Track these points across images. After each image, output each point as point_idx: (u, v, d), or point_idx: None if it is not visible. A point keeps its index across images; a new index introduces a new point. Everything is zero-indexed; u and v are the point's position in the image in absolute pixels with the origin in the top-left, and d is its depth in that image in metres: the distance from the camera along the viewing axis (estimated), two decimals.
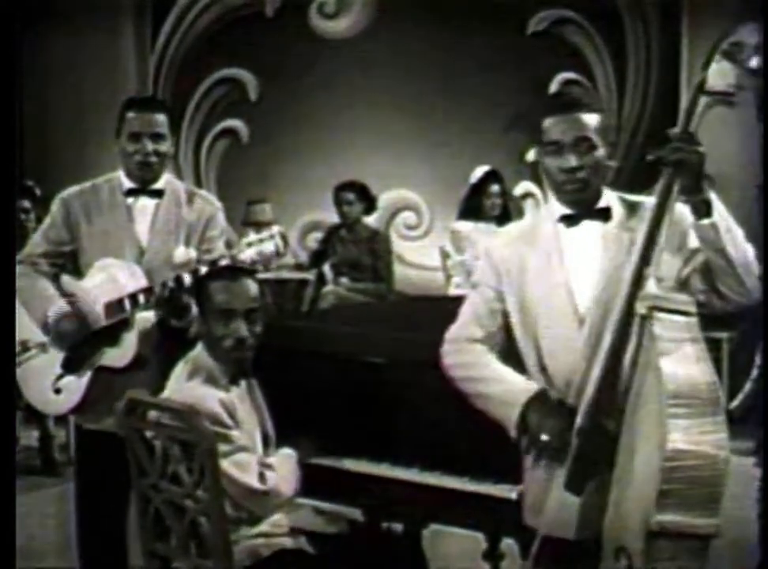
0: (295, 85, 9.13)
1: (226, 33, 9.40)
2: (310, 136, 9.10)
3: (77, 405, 3.69)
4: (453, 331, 3.00)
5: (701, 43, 8.20)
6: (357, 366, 3.51)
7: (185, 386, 3.22)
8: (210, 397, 3.15)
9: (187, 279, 3.48)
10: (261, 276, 3.54)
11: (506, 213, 7.00)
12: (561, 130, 2.80)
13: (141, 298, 3.54)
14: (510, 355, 2.96)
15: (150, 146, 3.68)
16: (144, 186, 3.75)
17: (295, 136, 9.15)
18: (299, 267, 8.73)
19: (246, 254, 3.47)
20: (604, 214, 2.86)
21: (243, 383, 3.32)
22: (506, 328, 2.95)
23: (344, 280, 7.50)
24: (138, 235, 3.72)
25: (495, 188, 6.94)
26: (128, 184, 3.75)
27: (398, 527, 3.69)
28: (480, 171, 7.02)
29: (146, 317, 3.60)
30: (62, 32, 8.96)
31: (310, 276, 7.93)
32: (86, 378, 3.65)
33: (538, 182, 9.11)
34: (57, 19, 8.95)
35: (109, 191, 3.77)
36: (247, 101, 9.52)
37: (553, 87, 8.85)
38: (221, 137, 9.59)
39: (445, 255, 7.13)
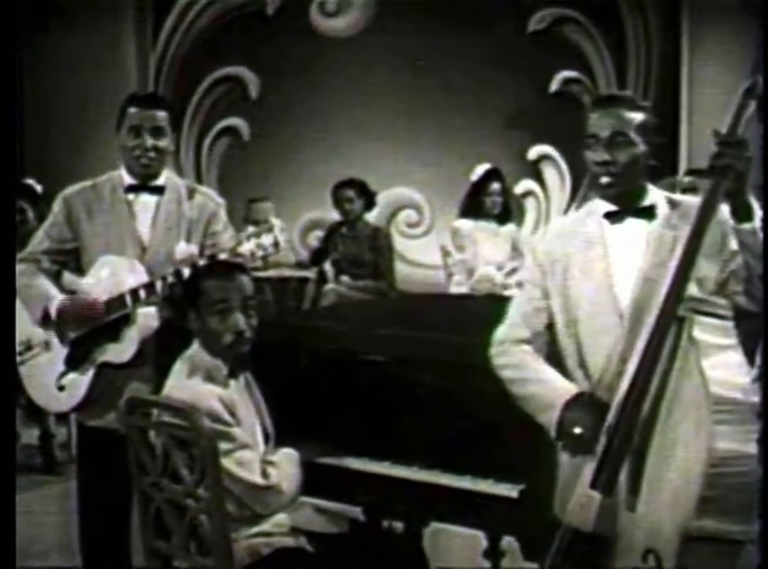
0: (296, 83, 9.13)
1: (227, 32, 9.41)
2: (311, 134, 9.11)
3: (80, 403, 3.69)
4: (500, 332, 3.01)
5: (701, 42, 8.21)
6: (358, 364, 3.51)
7: (185, 384, 3.21)
8: (210, 395, 3.14)
9: (187, 274, 3.49)
10: (262, 274, 3.55)
11: (507, 212, 7.01)
12: (600, 124, 2.84)
13: (142, 293, 3.55)
14: (555, 353, 2.97)
15: (150, 141, 3.68)
16: (144, 183, 3.75)
17: (295, 134, 9.15)
18: (300, 265, 8.72)
19: (245, 247, 3.48)
20: (649, 213, 2.87)
21: (242, 378, 3.32)
22: (551, 326, 2.97)
23: (345, 277, 7.50)
24: (140, 231, 3.72)
25: (495, 186, 6.94)
26: (128, 180, 3.76)
27: (399, 526, 3.69)
28: (480, 170, 7.02)
29: (147, 312, 3.60)
30: (63, 31, 8.97)
31: (311, 274, 7.94)
32: (89, 375, 3.66)
33: (539, 180, 9.13)
34: (58, 18, 8.96)
35: (110, 189, 3.77)
36: (248, 99, 9.53)
37: (553, 85, 8.86)
38: (222, 135, 9.60)
39: (446, 253, 7.14)
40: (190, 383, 3.20)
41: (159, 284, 3.53)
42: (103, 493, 3.72)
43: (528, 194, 9.15)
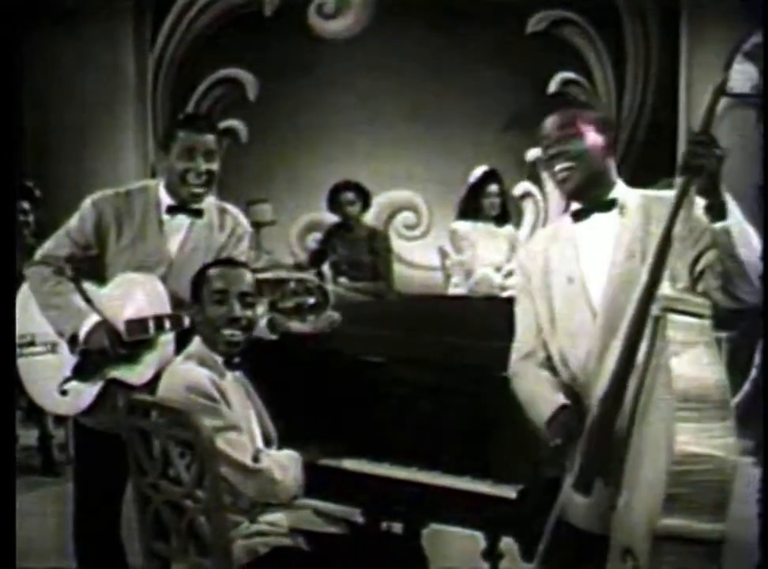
0: (294, 85, 9.13)
1: (225, 33, 9.40)
2: (310, 136, 9.11)
3: (83, 411, 3.68)
4: (513, 350, 3.04)
5: (700, 42, 8.21)
6: (356, 365, 3.51)
7: (176, 367, 3.28)
8: (200, 374, 3.20)
9: None
10: (261, 276, 3.54)
11: (505, 213, 7.01)
12: (549, 125, 2.92)
13: (167, 324, 3.53)
14: None
15: (204, 165, 3.62)
16: (184, 205, 3.69)
17: (294, 136, 9.15)
18: (298, 267, 8.72)
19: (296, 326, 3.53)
20: (611, 206, 2.91)
21: (238, 375, 3.35)
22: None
23: (343, 279, 7.49)
24: (169, 251, 3.67)
25: (493, 188, 6.94)
26: (167, 201, 3.69)
27: (398, 527, 3.70)
28: (478, 171, 7.02)
29: (167, 339, 3.57)
30: (62, 33, 8.96)
31: (310, 275, 7.92)
32: (97, 387, 3.64)
33: (537, 182, 9.13)
34: (57, 20, 8.95)
35: (144, 203, 3.70)
36: (246, 101, 9.52)
37: (552, 87, 8.86)
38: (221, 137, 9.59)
39: (444, 255, 7.14)
40: (180, 367, 3.28)
41: (186, 320, 3.49)
42: (98, 492, 3.72)
43: (527, 195, 9.15)
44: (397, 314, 4.37)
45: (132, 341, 3.57)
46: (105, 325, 3.58)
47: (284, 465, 3.25)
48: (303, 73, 9.12)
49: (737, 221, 2.65)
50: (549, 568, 2.81)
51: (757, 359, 6.50)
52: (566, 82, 8.85)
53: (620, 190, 2.96)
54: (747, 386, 6.75)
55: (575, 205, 2.97)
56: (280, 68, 9.20)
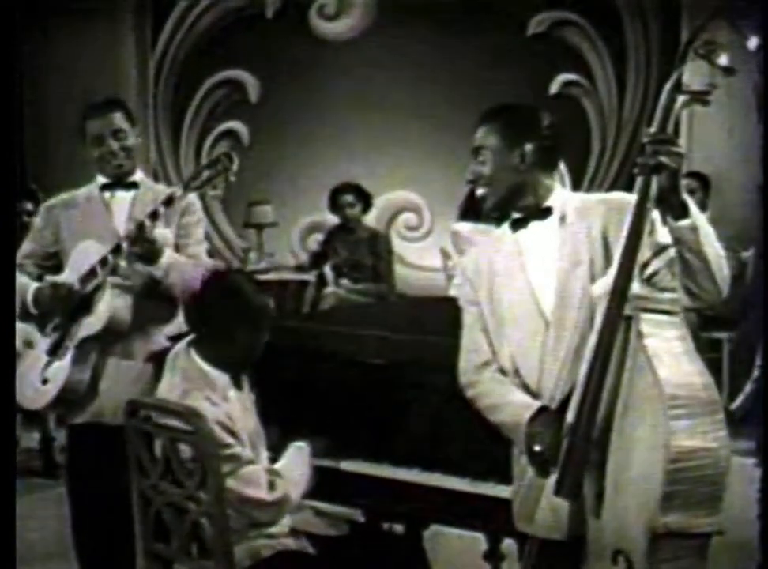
0: (296, 87, 9.13)
1: (226, 35, 9.41)
2: (311, 137, 9.11)
3: (62, 388, 3.69)
4: (461, 363, 3.02)
5: None
6: (358, 367, 3.51)
7: (183, 400, 3.13)
8: (210, 420, 3.04)
9: (151, 225, 3.54)
10: (262, 277, 3.55)
11: (506, 214, 6.99)
12: (474, 139, 3.01)
13: (110, 257, 3.61)
14: None
15: (115, 145, 3.78)
16: (118, 181, 3.84)
17: (295, 137, 9.15)
18: (299, 268, 8.73)
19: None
20: (549, 214, 2.92)
21: (245, 385, 3.31)
22: None
23: (344, 281, 7.50)
24: (116, 226, 3.79)
25: None
26: (102, 180, 3.85)
27: (399, 528, 3.70)
28: None
29: (118, 280, 3.66)
30: (63, 34, 8.98)
31: (311, 277, 7.94)
32: (68, 358, 3.68)
33: None
34: (58, 21, 8.96)
35: (86, 192, 3.89)
36: (248, 103, 9.53)
37: (553, 88, 8.86)
38: (222, 138, 9.60)
39: (446, 256, 7.13)
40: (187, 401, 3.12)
41: (124, 245, 3.58)
42: (93, 492, 3.73)
43: None
44: (399, 316, 4.39)
45: (88, 293, 3.65)
46: (50, 286, 3.70)
47: (296, 479, 3.21)
48: (304, 75, 9.12)
49: (700, 219, 2.65)
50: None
51: (758, 359, 6.50)
52: (567, 83, 8.85)
53: (558, 197, 2.96)
54: (748, 387, 6.75)
55: (513, 214, 2.98)
56: (282, 69, 9.20)
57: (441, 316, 3.76)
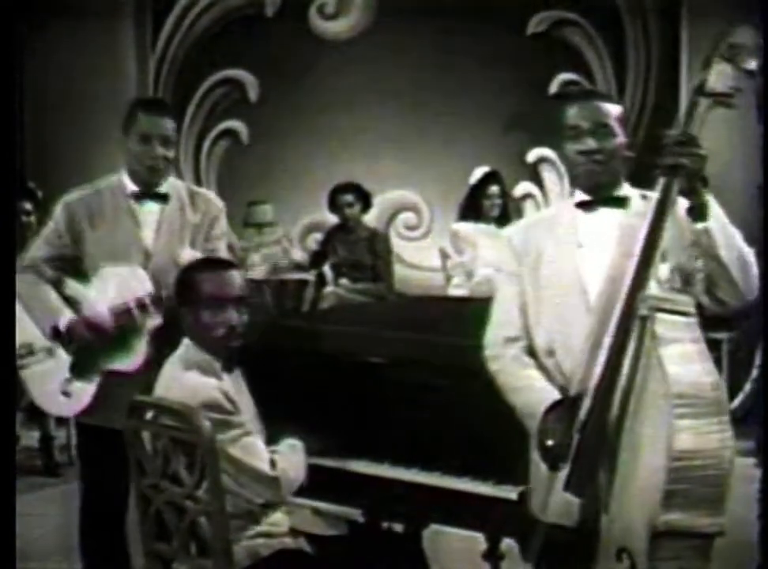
0: (296, 86, 9.13)
1: (226, 34, 9.40)
2: (311, 137, 9.10)
3: (85, 409, 3.70)
4: (489, 334, 3.00)
5: (701, 43, 8.20)
6: (357, 366, 3.51)
7: (181, 379, 3.19)
8: (208, 386, 3.13)
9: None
10: (262, 277, 3.55)
11: (506, 214, 7.00)
12: (581, 115, 2.87)
13: (148, 300, 3.57)
14: None
15: (160, 150, 3.68)
16: (148, 190, 3.75)
17: (295, 137, 9.15)
18: (299, 267, 8.71)
19: (257, 272, 3.52)
20: (622, 203, 2.89)
21: (235, 373, 3.32)
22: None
23: (344, 280, 7.50)
24: (144, 239, 3.72)
25: (494, 189, 6.94)
26: (132, 187, 3.75)
27: (398, 527, 3.70)
28: (479, 172, 7.03)
29: (153, 321, 3.62)
30: (63, 33, 8.96)
31: (311, 276, 7.93)
32: (94, 382, 3.66)
33: (538, 182, 9.12)
34: (57, 20, 8.95)
35: (112, 195, 3.77)
36: (247, 102, 9.51)
37: (553, 88, 8.86)
38: (222, 138, 9.59)
39: (445, 256, 7.14)
40: (185, 377, 3.19)
41: (165, 295, 3.54)
42: (104, 492, 3.73)
43: (527, 196, 9.14)
44: (398, 316, 4.38)
45: (119, 329, 3.61)
46: (84, 320, 3.63)
47: (294, 462, 3.23)
48: (304, 74, 9.12)
49: (719, 221, 2.64)
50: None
51: (757, 359, 6.51)
52: (566, 83, 8.84)
53: (627, 188, 2.94)
54: (747, 387, 6.76)
55: (582, 196, 2.93)
56: (282, 69, 9.19)
57: (440, 316, 3.77)
